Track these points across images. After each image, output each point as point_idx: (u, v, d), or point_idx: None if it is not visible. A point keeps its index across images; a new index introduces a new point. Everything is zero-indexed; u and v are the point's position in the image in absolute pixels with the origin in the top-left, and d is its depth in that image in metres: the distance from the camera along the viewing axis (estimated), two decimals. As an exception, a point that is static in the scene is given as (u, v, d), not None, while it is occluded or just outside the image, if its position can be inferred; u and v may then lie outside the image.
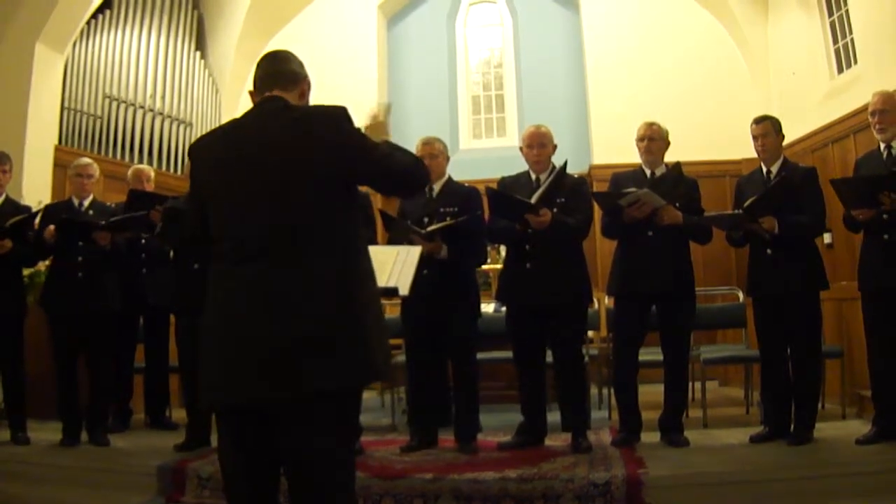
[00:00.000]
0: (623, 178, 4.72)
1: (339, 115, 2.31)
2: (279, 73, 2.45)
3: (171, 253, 5.18)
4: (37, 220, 5.08)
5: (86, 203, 5.19)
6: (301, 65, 2.51)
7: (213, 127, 9.60)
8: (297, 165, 2.23)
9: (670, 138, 4.75)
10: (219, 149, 2.37)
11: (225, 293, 2.23)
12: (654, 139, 4.67)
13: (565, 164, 4.43)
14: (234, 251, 2.23)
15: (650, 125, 4.71)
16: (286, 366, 2.11)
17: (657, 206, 4.40)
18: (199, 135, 9.41)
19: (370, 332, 2.24)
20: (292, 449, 2.18)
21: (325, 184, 2.25)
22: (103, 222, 4.90)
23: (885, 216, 4.18)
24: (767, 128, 4.58)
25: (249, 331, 2.14)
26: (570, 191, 4.51)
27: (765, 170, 4.63)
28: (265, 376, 2.11)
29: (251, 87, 2.49)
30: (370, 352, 2.22)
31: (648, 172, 4.68)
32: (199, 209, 2.40)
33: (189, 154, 2.48)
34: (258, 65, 2.48)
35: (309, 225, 2.21)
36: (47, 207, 5.32)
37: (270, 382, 2.11)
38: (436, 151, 4.65)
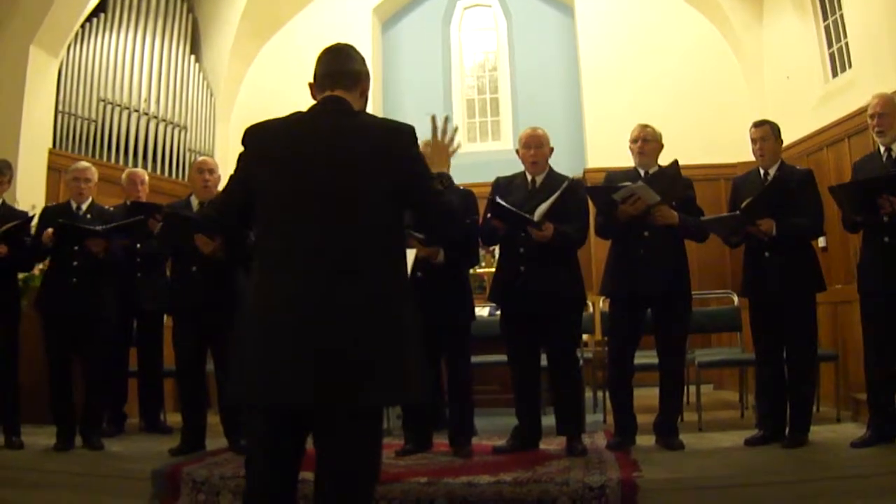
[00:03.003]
0: (617, 177, 4.70)
1: (408, 135, 2.35)
2: (342, 72, 2.43)
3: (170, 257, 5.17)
4: (34, 223, 5.08)
5: (84, 207, 5.18)
6: (363, 61, 2.49)
7: (207, 131, 9.71)
8: (360, 176, 2.25)
9: (665, 141, 4.75)
10: (279, 146, 2.34)
11: (275, 295, 2.23)
12: (647, 140, 4.67)
13: (573, 180, 4.44)
14: (286, 253, 2.25)
15: (643, 127, 4.71)
16: (340, 376, 2.13)
17: (651, 203, 4.40)
18: (193, 139, 9.45)
19: (415, 351, 2.29)
20: (327, 455, 2.22)
21: (382, 199, 2.27)
22: (100, 228, 4.89)
23: (885, 219, 4.19)
24: (766, 132, 4.59)
25: (303, 335, 2.16)
26: (567, 194, 4.49)
27: (762, 172, 4.63)
28: (316, 383, 2.14)
29: (311, 80, 2.47)
30: (412, 372, 2.27)
31: (642, 173, 4.66)
32: (245, 198, 2.40)
33: (243, 140, 2.42)
34: (320, 59, 2.46)
35: (368, 238, 2.24)
36: (46, 209, 5.33)
37: (322, 391, 2.14)
38: None
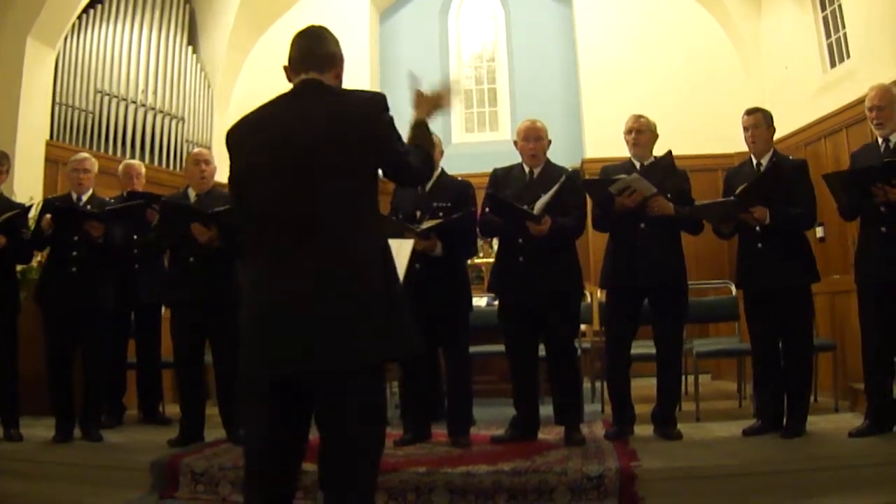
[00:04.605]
0: (613, 170, 4.70)
1: (378, 103, 2.37)
2: (315, 54, 2.46)
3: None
4: (32, 213, 5.08)
5: (84, 198, 5.17)
6: (337, 43, 2.52)
7: (205, 122, 9.70)
8: (335, 151, 2.27)
9: (663, 131, 4.75)
10: (257, 135, 2.38)
11: (269, 274, 2.28)
12: (641, 131, 4.66)
13: (570, 172, 4.43)
14: (274, 233, 2.28)
15: (637, 118, 4.71)
16: (333, 340, 2.17)
17: (648, 195, 4.40)
18: (191, 130, 9.45)
19: (402, 305, 2.33)
20: (330, 419, 2.25)
21: (358, 170, 2.31)
22: (98, 212, 4.88)
23: (882, 209, 4.18)
24: (758, 119, 4.58)
25: (296, 309, 2.20)
26: (564, 186, 4.48)
27: (755, 161, 4.62)
28: (312, 349, 2.17)
29: (286, 63, 2.50)
30: (405, 326, 2.31)
31: (638, 164, 4.66)
32: (239, 197, 2.44)
33: (226, 141, 2.47)
34: (293, 43, 2.49)
35: (347, 209, 2.27)
36: (46, 201, 5.32)
37: (317, 356, 2.17)
38: None
